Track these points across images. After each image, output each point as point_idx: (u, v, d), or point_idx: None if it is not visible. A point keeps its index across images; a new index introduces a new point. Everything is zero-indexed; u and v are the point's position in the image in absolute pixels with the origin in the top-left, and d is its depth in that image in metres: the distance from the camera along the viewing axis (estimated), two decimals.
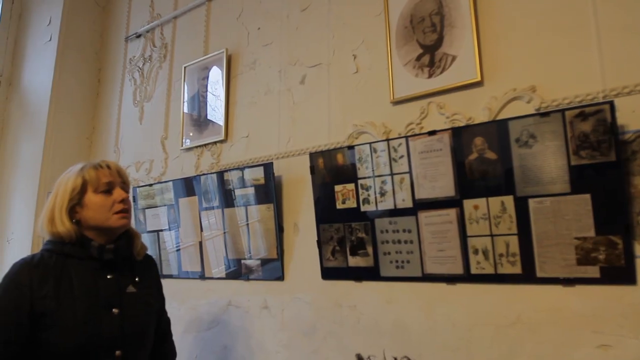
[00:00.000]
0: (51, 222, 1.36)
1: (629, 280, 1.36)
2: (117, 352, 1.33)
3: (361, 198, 1.92)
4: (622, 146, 1.40)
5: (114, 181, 1.42)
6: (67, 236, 1.34)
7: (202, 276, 2.51)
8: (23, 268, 1.31)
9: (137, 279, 1.46)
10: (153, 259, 1.67)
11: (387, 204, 1.84)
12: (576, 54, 1.54)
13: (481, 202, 1.62)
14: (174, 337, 1.73)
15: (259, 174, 2.24)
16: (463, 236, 1.65)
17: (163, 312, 1.67)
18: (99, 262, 1.38)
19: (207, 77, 2.72)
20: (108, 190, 1.40)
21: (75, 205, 1.37)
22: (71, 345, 1.27)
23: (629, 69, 1.44)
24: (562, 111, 1.48)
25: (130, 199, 2.78)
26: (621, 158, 1.39)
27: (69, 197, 1.36)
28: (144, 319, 1.46)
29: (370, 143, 1.91)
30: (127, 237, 1.47)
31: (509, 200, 1.57)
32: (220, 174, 2.42)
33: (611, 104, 1.40)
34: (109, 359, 1.32)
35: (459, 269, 1.66)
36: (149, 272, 1.57)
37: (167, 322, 1.70)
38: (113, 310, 1.35)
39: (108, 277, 1.38)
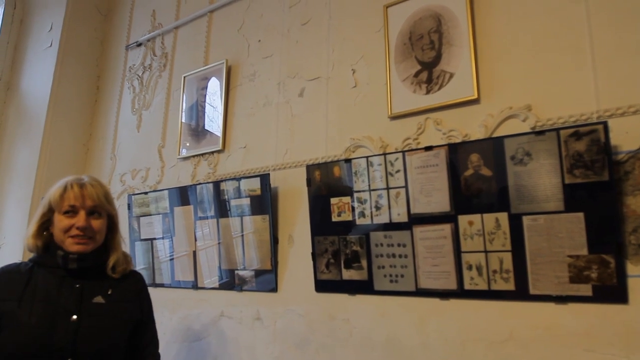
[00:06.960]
0: (27, 233, 1.44)
1: (621, 299, 1.38)
2: None
3: (357, 211, 1.92)
4: (615, 166, 1.43)
5: (78, 205, 1.41)
6: (32, 249, 1.42)
7: (194, 286, 2.49)
8: None
9: (109, 292, 1.45)
10: (141, 276, 1.61)
11: (382, 218, 1.85)
12: (571, 74, 1.57)
13: (476, 218, 1.64)
14: (164, 346, 1.67)
15: (255, 184, 2.25)
16: (457, 252, 1.66)
17: (145, 335, 1.55)
18: (66, 270, 1.40)
19: (206, 88, 2.73)
20: (73, 212, 1.41)
21: (46, 220, 1.43)
22: (20, 347, 1.27)
23: (623, 91, 1.47)
24: (557, 130, 1.51)
25: (125, 209, 2.79)
26: (614, 178, 1.41)
27: (41, 212, 1.44)
28: (109, 332, 1.41)
29: (367, 157, 1.93)
30: (99, 250, 1.46)
31: (503, 217, 1.58)
32: (217, 184, 2.42)
33: (605, 125, 1.42)
34: None
35: (452, 285, 1.67)
36: (129, 288, 1.53)
37: (153, 354, 1.56)
38: (72, 317, 1.34)
39: (76, 285, 1.40)
